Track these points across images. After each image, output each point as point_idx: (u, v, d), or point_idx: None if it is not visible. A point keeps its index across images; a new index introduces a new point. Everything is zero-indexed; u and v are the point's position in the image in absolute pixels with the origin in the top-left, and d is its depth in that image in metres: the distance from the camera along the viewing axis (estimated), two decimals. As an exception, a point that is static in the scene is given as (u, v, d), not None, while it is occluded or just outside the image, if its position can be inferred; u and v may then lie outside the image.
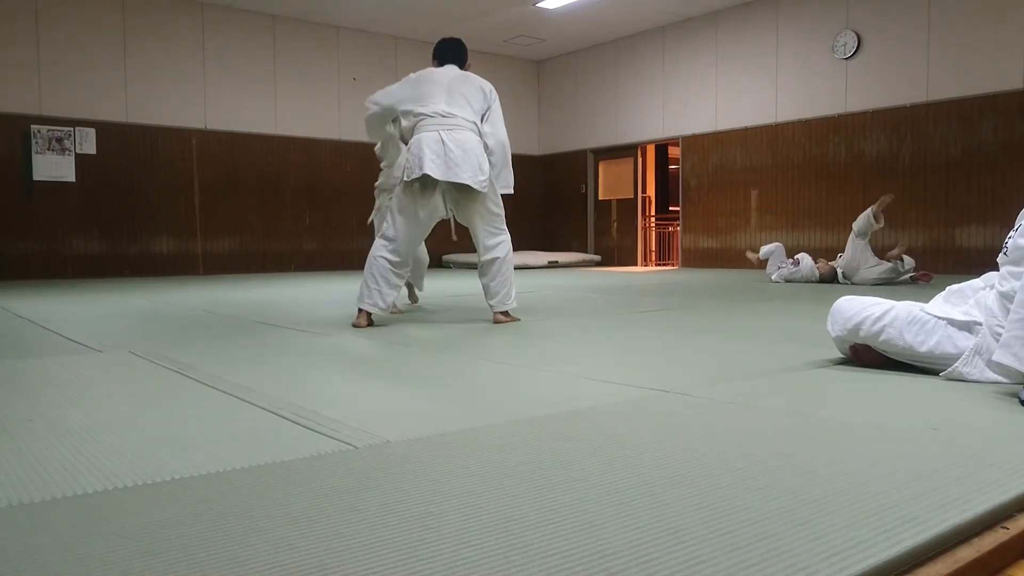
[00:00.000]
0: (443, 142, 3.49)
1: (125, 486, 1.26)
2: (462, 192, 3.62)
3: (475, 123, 3.65)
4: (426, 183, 3.55)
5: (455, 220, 3.80)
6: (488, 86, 3.81)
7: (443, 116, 3.57)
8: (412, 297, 4.77)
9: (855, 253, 6.56)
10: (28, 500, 1.19)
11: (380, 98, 3.79)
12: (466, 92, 3.69)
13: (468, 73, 3.82)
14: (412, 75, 3.79)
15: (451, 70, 3.79)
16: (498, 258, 3.71)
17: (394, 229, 3.61)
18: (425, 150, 3.47)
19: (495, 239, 3.72)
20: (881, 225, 6.54)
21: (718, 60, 9.87)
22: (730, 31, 9.70)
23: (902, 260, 6.47)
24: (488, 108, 3.74)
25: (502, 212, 3.76)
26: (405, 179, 3.55)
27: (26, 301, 5.31)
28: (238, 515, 1.10)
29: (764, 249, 7.39)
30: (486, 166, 3.60)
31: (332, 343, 3.15)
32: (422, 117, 3.59)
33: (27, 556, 0.97)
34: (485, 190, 3.59)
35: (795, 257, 7.06)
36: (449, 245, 10.07)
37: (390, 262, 3.60)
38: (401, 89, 3.74)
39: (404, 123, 3.69)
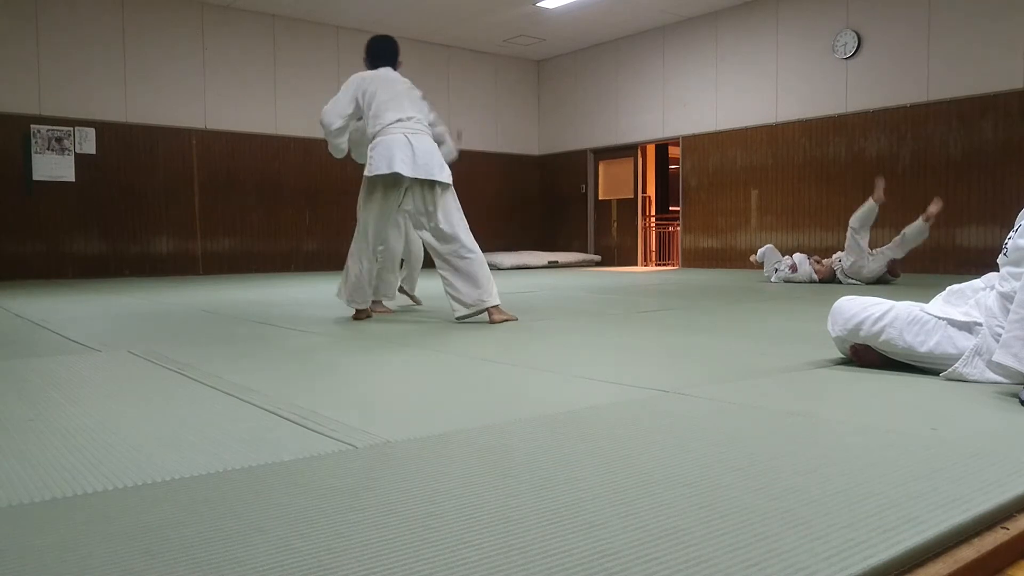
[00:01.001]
0: (410, 144, 3.67)
1: (125, 486, 1.26)
2: (427, 189, 3.73)
3: (428, 127, 3.87)
4: (390, 182, 3.74)
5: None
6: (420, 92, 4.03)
7: (407, 119, 3.75)
8: (413, 299, 4.77)
9: (860, 249, 6.46)
10: (28, 500, 1.19)
11: (336, 115, 3.85)
12: (415, 99, 3.89)
13: (409, 81, 3.96)
14: (357, 81, 3.87)
15: (393, 74, 3.92)
16: (475, 256, 3.71)
17: (362, 225, 3.85)
18: (394, 150, 3.64)
19: (473, 243, 3.75)
20: (883, 200, 6.51)
21: (718, 60, 9.87)
22: (730, 31, 9.70)
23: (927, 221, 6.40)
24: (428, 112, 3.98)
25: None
26: (367, 174, 3.73)
27: (26, 301, 5.31)
28: (238, 515, 1.10)
29: (759, 252, 7.38)
30: (446, 166, 3.80)
31: (332, 343, 3.15)
32: (387, 123, 3.73)
33: (27, 556, 0.97)
34: (450, 182, 3.76)
35: (792, 262, 7.00)
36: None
37: (363, 254, 3.85)
38: (349, 96, 3.84)
39: (369, 128, 3.81)
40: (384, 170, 3.63)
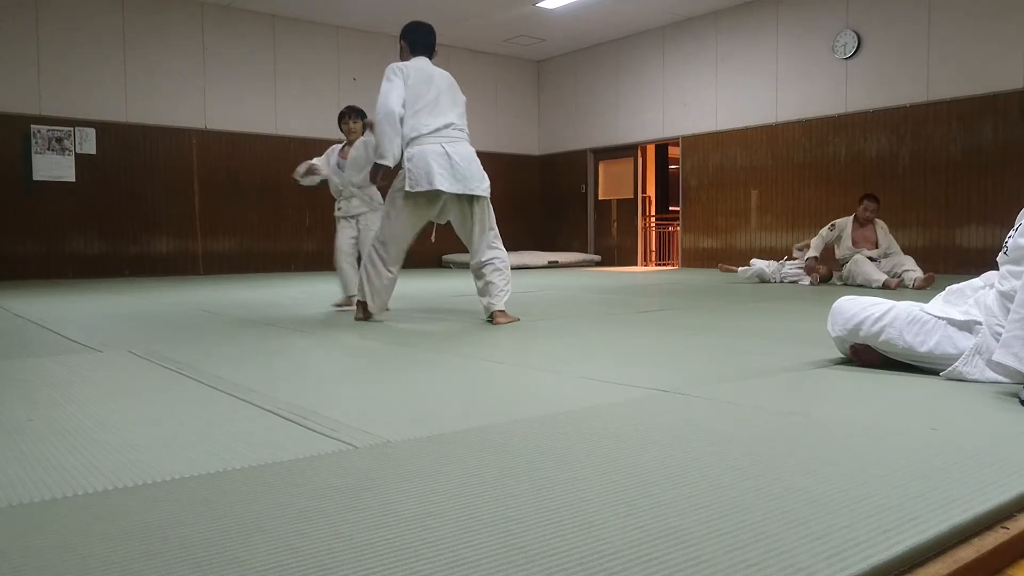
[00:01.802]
0: (448, 155, 3.58)
1: (125, 486, 1.26)
2: (464, 202, 3.72)
3: (466, 130, 3.77)
4: (429, 196, 3.66)
5: (437, 225, 3.95)
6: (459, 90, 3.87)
7: (444, 128, 3.64)
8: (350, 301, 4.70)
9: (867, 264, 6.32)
10: (28, 500, 1.19)
11: (396, 101, 3.58)
12: (456, 99, 3.77)
13: (449, 76, 3.82)
14: (402, 70, 3.65)
15: (432, 68, 3.77)
16: (498, 257, 3.75)
17: (386, 233, 3.76)
18: (432, 164, 3.55)
19: (496, 251, 3.76)
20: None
21: (718, 60, 9.87)
22: (730, 31, 9.70)
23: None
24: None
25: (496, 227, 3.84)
26: (408, 190, 3.60)
27: (26, 301, 5.31)
28: (238, 515, 1.10)
29: (748, 273, 7.18)
30: (485, 175, 3.73)
31: (332, 343, 3.15)
32: (423, 132, 3.60)
33: (27, 556, 0.97)
34: (487, 194, 3.72)
35: (792, 274, 6.89)
36: (448, 246, 10.06)
37: (384, 263, 3.77)
38: (399, 82, 3.62)
39: (404, 130, 3.64)
40: (424, 187, 3.54)
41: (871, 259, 6.35)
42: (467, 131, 3.77)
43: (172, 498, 1.19)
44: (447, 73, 3.81)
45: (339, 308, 4.60)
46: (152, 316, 4.26)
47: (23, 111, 8.30)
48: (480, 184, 3.66)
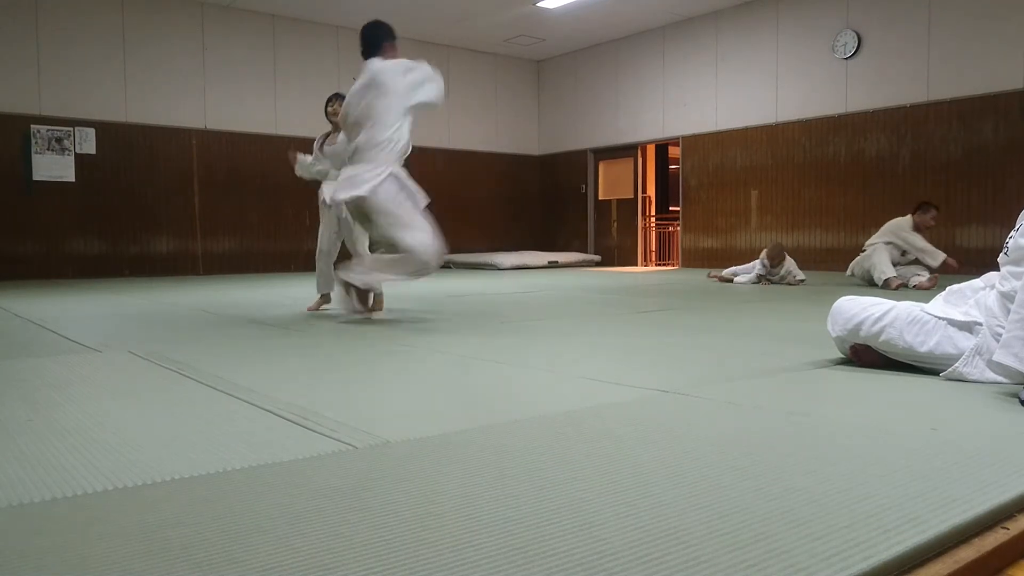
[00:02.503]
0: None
1: (125, 486, 1.26)
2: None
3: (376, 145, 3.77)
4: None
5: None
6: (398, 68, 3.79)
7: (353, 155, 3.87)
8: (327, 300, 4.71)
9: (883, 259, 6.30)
10: (28, 500, 1.19)
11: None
12: (376, 101, 3.75)
13: (373, 76, 3.75)
14: (347, 101, 3.89)
15: (367, 74, 3.79)
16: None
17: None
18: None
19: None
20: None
21: (718, 60, 9.86)
22: (730, 31, 9.70)
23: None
24: (420, 83, 3.77)
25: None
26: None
27: (25, 301, 5.31)
28: (238, 515, 1.10)
29: (739, 282, 7.17)
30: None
31: (332, 343, 3.15)
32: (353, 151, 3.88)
33: (27, 557, 0.97)
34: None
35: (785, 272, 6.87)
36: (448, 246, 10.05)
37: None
38: (349, 125, 3.95)
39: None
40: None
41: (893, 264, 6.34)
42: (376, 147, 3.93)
43: (172, 498, 1.19)
44: (382, 64, 3.83)
45: (312, 311, 4.51)
46: (152, 316, 4.26)
47: (23, 111, 8.29)
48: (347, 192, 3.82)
